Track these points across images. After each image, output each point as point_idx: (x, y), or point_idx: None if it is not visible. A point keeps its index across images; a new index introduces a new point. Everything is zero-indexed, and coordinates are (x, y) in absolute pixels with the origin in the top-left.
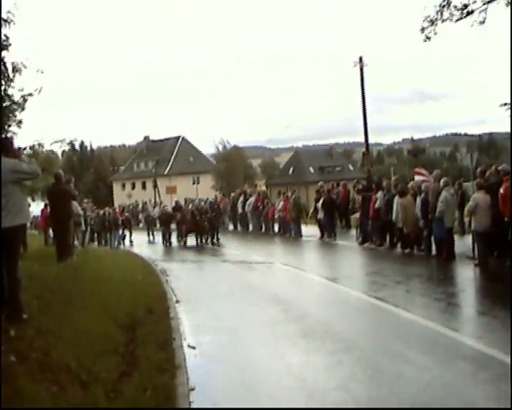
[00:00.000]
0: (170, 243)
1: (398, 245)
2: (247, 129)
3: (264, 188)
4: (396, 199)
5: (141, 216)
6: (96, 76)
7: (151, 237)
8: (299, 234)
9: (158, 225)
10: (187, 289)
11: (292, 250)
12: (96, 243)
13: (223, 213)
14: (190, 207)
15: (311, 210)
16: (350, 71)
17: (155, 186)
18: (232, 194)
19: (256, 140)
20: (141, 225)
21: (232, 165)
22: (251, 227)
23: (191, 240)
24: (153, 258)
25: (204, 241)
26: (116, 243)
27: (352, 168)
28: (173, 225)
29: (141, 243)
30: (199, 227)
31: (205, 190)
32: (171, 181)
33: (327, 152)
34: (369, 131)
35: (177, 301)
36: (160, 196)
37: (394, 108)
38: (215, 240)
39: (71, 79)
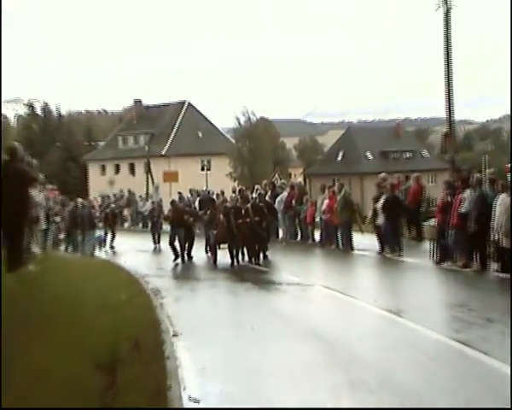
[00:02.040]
0: (189, 257)
1: (493, 266)
2: (280, 99)
3: (300, 179)
4: (500, 199)
5: (126, 212)
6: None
7: (156, 245)
8: (349, 246)
9: (150, 225)
10: (189, 316)
11: (338, 268)
12: (64, 247)
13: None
14: (228, 202)
15: (370, 213)
16: (428, 16)
17: (148, 171)
18: (256, 186)
19: (292, 113)
20: (126, 224)
21: (258, 145)
22: (281, 233)
23: (223, 255)
24: (142, 272)
25: (243, 258)
26: (91, 249)
27: (427, 154)
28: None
29: (127, 250)
30: (236, 236)
31: (218, 178)
32: (171, 165)
33: (392, 131)
34: (453, 103)
35: (175, 335)
36: (154, 185)
37: (489, 72)
38: (259, 258)
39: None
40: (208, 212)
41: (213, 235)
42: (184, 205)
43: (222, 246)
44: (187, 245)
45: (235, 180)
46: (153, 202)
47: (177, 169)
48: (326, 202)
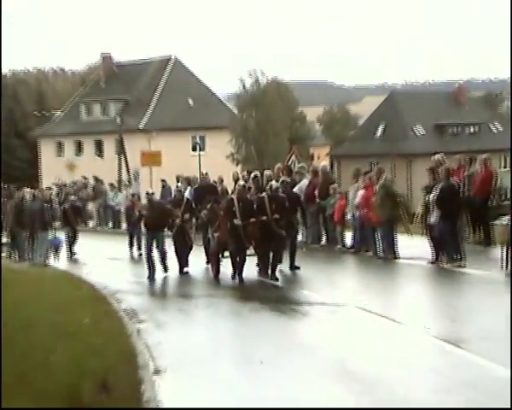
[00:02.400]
0: (181, 271)
1: None
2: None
3: (326, 163)
4: None
5: (91, 206)
6: None
7: (135, 250)
8: (391, 252)
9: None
10: (176, 347)
11: (377, 283)
12: (6, 253)
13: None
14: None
15: (420, 208)
16: None
17: (122, 152)
18: (266, 172)
19: (315, 74)
20: (91, 223)
21: (269, 117)
22: (300, 235)
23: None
24: (113, 287)
25: (263, 271)
26: (44, 257)
27: (499, 128)
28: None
29: (92, 258)
30: (243, 241)
31: (214, 161)
32: (152, 143)
33: (451, 97)
34: None
35: (158, 372)
36: (128, 171)
37: None
38: (275, 271)
39: None
40: (208, 206)
41: (215, 239)
42: (174, 198)
43: (226, 254)
44: (179, 253)
45: (237, 164)
46: (133, 195)
47: (159, 149)
48: (361, 193)
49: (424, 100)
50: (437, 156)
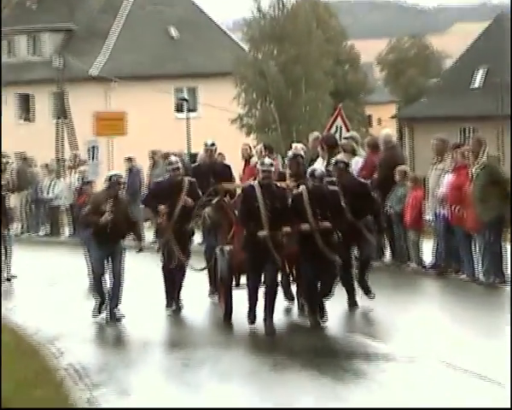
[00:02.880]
0: (173, 305)
1: None
2: None
3: (389, 131)
4: None
5: (14, 201)
6: None
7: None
8: (498, 273)
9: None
10: None
11: (475, 324)
12: None
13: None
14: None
15: None
16: None
17: (63, 115)
18: (296, 145)
19: None
20: (14, 227)
21: (299, 55)
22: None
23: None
24: (50, 331)
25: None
26: None
27: None
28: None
29: (19, 284)
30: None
31: (212, 128)
32: (111, 99)
33: None
34: None
35: None
36: (74, 143)
37: None
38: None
39: None
40: (214, 202)
41: (225, 255)
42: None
43: (244, 281)
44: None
45: (248, 132)
46: (85, 183)
47: (123, 108)
48: (448, 179)
49: None
50: None
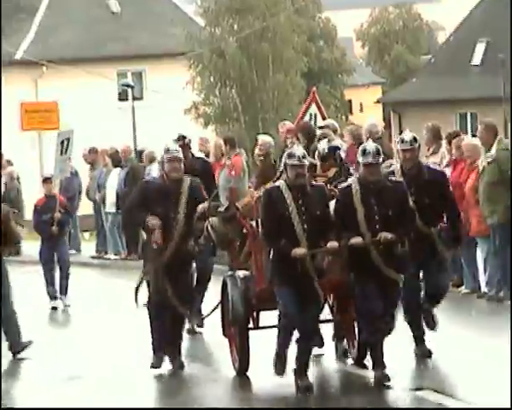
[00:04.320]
0: (178, 360)
1: None
2: None
3: (373, 121)
4: None
5: None
6: None
7: (57, 297)
8: (506, 285)
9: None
10: None
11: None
12: None
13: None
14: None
15: None
16: None
17: None
18: (263, 139)
19: None
20: None
21: (265, 31)
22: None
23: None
24: None
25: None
26: None
27: None
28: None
29: None
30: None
31: (163, 118)
32: (40, 86)
33: None
34: None
35: None
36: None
37: None
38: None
39: None
40: (222, 210)
41: (240, 283)
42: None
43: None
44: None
45: (206, 124)
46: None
47: (55, 97)
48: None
49: None
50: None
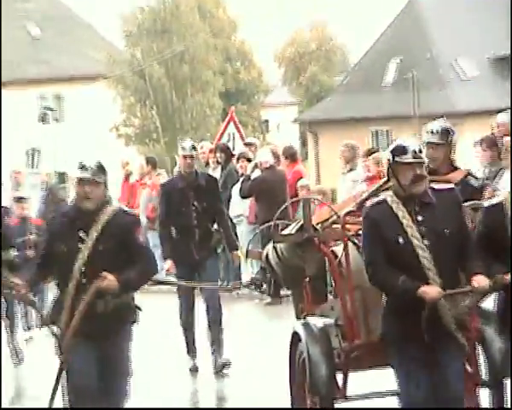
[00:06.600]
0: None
1: None
2: None
3: (290, 144)
4: None
5: None
6: None
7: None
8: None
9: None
10: None
11: None
12: None
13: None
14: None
15: None
16: None
17: None
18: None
19: None
20: None
21: (184, 53)
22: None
23: None
24: None
25: None
26: None
27: None
28: None
29: None
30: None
31: (83, 142)
32: None
33: None
34: None
35: None
36: None
37: None
38: None
39: None
40: (294, 234)
41: (319, 335)
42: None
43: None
44: None
45: (127, 144)
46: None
47: None
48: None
49: (472, 11)
50: (500, 118)
